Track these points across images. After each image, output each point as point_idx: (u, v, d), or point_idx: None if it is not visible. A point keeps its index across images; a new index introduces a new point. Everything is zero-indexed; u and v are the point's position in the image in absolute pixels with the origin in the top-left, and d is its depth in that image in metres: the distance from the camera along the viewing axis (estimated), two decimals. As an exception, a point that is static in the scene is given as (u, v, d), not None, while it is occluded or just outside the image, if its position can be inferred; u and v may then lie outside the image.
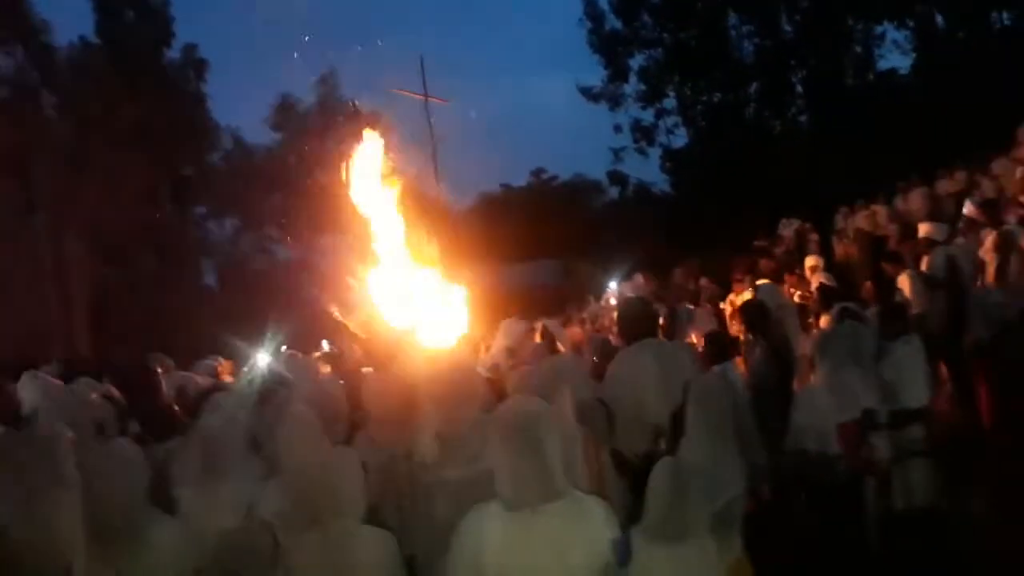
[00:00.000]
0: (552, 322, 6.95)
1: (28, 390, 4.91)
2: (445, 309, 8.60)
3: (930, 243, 7.52)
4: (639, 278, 12.86)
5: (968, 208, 8.51)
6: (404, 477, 3.27)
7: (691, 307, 8.53)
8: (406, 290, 8.61)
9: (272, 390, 4.60)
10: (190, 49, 23.79)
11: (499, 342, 6.23)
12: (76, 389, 5.13)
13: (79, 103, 20.26)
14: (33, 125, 19.59)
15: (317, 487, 2.61)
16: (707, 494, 3.04)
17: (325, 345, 9.57)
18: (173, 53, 23.67)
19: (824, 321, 6.61)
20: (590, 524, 2.39)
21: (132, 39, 22.70)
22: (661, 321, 6.63)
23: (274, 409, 3.97)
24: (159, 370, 5.55)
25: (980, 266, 6.86)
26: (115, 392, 5.09)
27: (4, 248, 17.44)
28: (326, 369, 6.47)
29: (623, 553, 2.40)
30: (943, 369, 4.92)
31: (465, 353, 4.86)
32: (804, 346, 5.39)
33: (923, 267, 7.10)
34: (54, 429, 3.44)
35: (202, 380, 6.14)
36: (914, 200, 11.44)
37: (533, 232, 23.85)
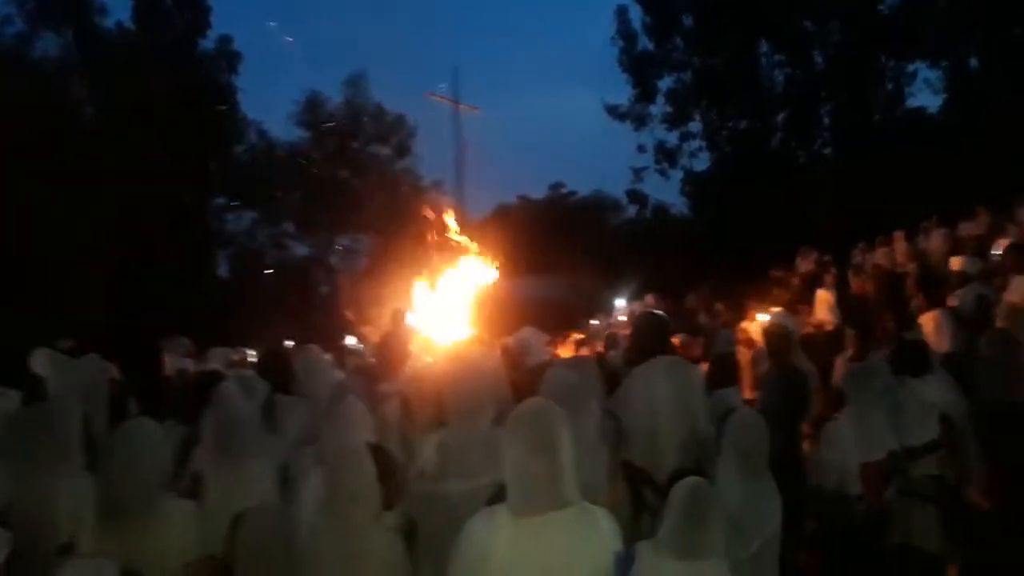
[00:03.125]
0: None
1: (39, 366, 4.95)
2: (455, 317, 8.64)
3: (963, 277, 7.32)
4: (649, 299, 12.84)
5: (999, 251, 8.33)
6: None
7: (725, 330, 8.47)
8: (420, 295, 8.67)
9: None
10: (225, 41, 24.09)
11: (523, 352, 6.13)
12: (84, 365, 5.16)
13: (112, 87, 20.52)
14: (65, 105, 19.87)
15: (352, 479, 2.63)
16: (745, 534, 3.06)
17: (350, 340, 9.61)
18: (208, 43, 24.01)
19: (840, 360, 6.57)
20: (597, 536, 2.37)
21: (168, 27, 23.01)
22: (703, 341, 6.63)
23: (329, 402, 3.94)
24: (168, 353, 5.60)
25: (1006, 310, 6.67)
26: (115, 371, 5.13)
27: (26, 226, 17.63)
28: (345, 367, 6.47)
29: (624, 568, 2.39)
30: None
31: (481, 363, 4.77)
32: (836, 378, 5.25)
33: (952, 303, 6.94)
34: (64, 404, 3.43)
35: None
36: (935, 240, 11.36)
37: (547, 246, 23.85)
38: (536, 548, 2.30)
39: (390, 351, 5.81)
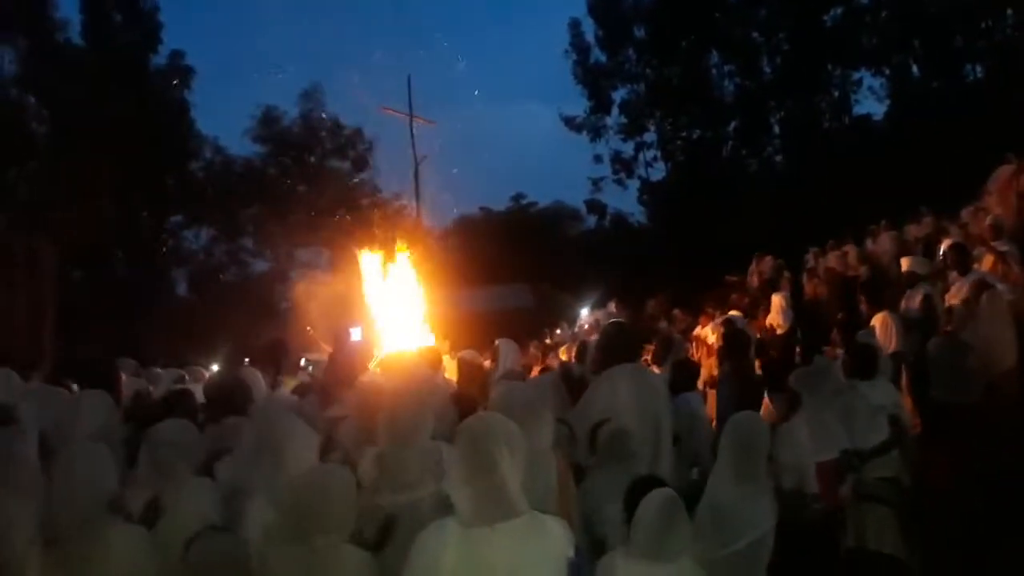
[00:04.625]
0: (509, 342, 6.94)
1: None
2: (413, 328, 8.63)
3: (912, 277, 7.39)
4: (612, 306, 12.99)
5: (941, 252, 8.52)
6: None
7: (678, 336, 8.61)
8: (378, 308, 8.63)
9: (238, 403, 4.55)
10: (177, 56, 23.78)
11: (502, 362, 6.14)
12: (38, 387, 5.05)
13: (60, 104, 20.09)
14: (11, 123, 19.38)
15: (310, 503, 2.58)
16: (731, 532, 3.12)
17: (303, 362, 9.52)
18: (159, 59, 23.68)
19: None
20: (548, 543, 2.38)
21: (118, 42, 22.61)
22: (653, 347, 6.72)
23: (258, 422, 3.91)
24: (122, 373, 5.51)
25: (947, 311, 6.83)
26: (73, 389, 5.02)
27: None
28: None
29: (576, 574, 2.40)
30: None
31: (418, 376, 4.74)
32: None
33: (902, 304, 7.07)
34: (15, 429, 3.34)
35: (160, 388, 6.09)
36: (883, 242, 11.68)
37: (509, 256, 23.96)
38: (487, 557, 2.30)
39: (336, 371, 5.74)
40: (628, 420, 3.86)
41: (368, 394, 3.95)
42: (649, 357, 6.85)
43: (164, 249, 22.97)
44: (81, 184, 19.12)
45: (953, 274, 7.20)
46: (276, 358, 6.17)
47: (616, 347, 4.33)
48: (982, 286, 6.17)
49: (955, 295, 6.66)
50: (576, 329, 13.54)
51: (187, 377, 7.18)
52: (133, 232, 21.55)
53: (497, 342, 6.26)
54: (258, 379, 5.21)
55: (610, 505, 3.13)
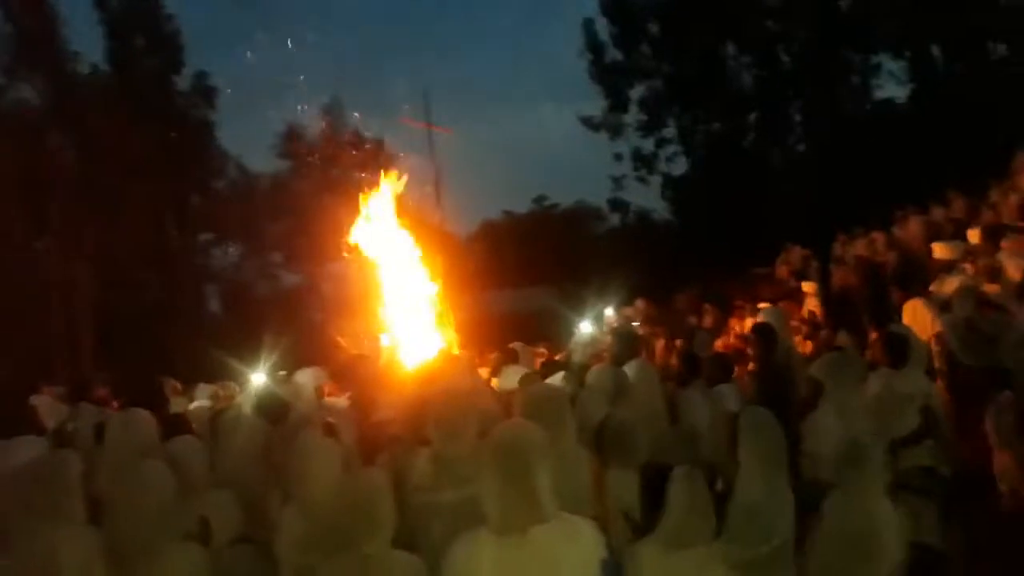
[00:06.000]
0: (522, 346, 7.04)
1: (45, 413, 5.00)
2: (443, 333, 8.74)
3: (945, 262, 7.32)
4: (640, 303, 12.97)
5: (972, 235, 8.42)
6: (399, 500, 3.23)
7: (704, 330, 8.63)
8: (407, 314, 8.75)
9: (280, 413, 4.67)
10: (200, 77, 24.17)
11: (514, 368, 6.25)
12: (84, 408, 5.22)
13: (89, 130, 20.54)
14: (43, 151, 19.87)
15: (349, 510, 2.60)
16: (763, 531, 3.11)
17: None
18: (183, 80, 24.07)
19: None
20: (580, 545, 2.38)
21: (143, 66, 23.06)
22: (679, 344, 6.76)
23: (286, 432, 4.03)
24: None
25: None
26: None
27: (11, 272, 17.58)
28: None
29: (612, 575, 2.43)
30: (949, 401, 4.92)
31: (464, 373, 4.88)
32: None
33: (934, 289, 6.94)
34: (61, 457, 3.32)
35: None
36: (912, 227, 11.54)
37: (534, 258, 24.06)
38: (519, 564, 2.31)
39: (372, 377, 5.86)
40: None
41: (416, 397, 4.06)
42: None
43: (194, 267, 23.37)
44: (112, 208, 19.54)
45: (1002, 253, 7.04)
46: (358, 374, 6.22)
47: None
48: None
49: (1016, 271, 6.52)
50: (605, 327, 13.52)
51: (220, 392, 7.37)
52: (163, 252, 21.95)
53: (511, 346, 6.38)
54: (305, 389, 5.33)
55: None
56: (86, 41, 22.68)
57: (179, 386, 7.61)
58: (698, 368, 5.46)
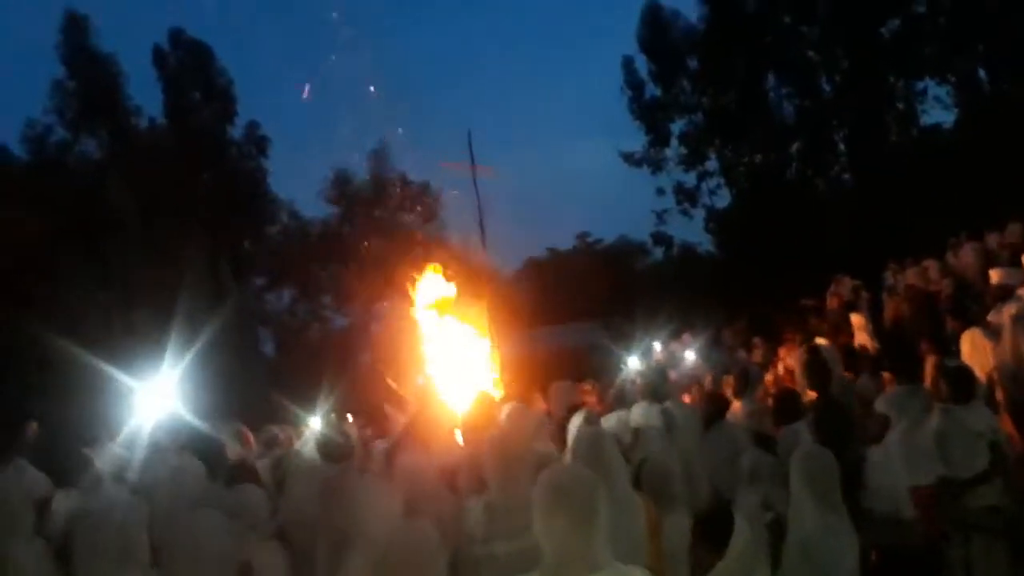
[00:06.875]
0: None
1: (106, 463, 5.19)
2: (492, 374, 8.79)
3: (1004, 290, 6.95)
4: (687, 337, 12.93)
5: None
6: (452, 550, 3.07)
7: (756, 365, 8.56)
8: (456, 356, 8.85)
9: (344, 455, 4.82)
10: (253, 127, 25.13)
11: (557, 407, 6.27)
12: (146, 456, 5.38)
13: (148, 181, 21.45)
14: (105, 203, 20.77)
15: (402, 563, 2.55)
16: (820, 567, 3.09)
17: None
18: (236, 130, 25.05)
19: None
20: None
21: (198, 118, 24.09)
22: (732, 380, 6.70)
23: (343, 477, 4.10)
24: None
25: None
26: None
27: (77, 321, 18.27)
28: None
29: None
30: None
31: (518, 420, 4.86)
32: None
33: (991, 319, 6.63)
34: (126, 505, 3.40)
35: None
36: (966, 255, 11.31)
37: (580, 294, 24.11)
38: None
39: (426, 421, 5.94)
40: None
41: (470, 443, 4.10)
42: (730, 391, 6.86)
43: (250, 311, 24.02)
44: (170, 255, 20.27)
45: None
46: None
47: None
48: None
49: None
50: (652, 362, 13.48)
51: (280, 435, 7.53)
52: (219, 297, 22.61)
53: (554, 385, 6.38)
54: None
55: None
56: (145, 95, 23.85)
57: (248, 434, 7.74)
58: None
